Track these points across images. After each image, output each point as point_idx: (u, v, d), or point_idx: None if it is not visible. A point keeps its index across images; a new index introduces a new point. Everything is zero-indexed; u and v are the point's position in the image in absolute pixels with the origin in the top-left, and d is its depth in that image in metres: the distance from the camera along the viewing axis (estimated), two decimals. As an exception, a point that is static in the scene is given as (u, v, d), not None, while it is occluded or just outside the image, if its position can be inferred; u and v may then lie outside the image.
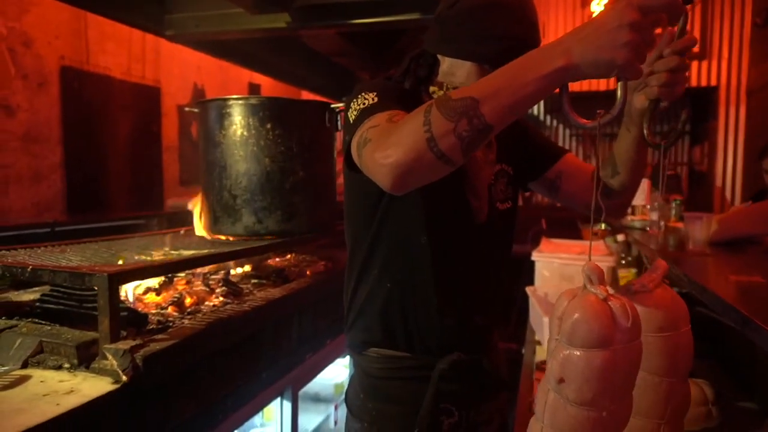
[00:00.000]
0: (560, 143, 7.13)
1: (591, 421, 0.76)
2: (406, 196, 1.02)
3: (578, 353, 0.75)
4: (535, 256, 2.61)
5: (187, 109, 2.15)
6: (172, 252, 1.63)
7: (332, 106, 2.04)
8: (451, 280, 1.14)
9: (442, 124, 0.81)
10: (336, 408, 2.51)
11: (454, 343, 1.14)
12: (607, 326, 0.74)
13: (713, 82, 5.47)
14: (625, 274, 2.56)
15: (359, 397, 1.18)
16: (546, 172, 1.25)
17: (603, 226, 3.97)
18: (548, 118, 7.19)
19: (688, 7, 0.78)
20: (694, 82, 5.51)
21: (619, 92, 0.79)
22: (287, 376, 1.79)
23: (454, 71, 1.09)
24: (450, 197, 1.12)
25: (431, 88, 1.14)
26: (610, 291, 0.77)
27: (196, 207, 2.06)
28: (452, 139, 0.81)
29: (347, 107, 1.03)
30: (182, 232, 2.10)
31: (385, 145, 0.86)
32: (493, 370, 1.19)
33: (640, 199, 3.06)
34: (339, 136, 2.75)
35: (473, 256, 1.17)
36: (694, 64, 5.49)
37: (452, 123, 0.80)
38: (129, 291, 1.51)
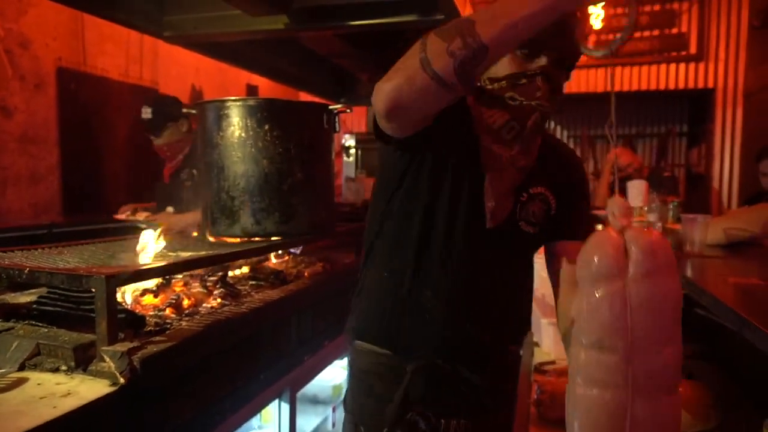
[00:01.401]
0: (558, 145, 7.14)
1: (609, 369, 0.63)
2: (421, 182, 1.04)
3: (583, 287, 0.67)
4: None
5: (185, 110, 2.15)
6: (170, 254, 1.63)
7: (330, 107, 2.03)
8: (448, 282, 1.08)
9: (436, 44, 0.83)
10: (334, 410, 2.51)
11: (441, 351, 1.08)
12: (612, 256, 0.64)
13: (710, 85, 5.49)
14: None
15: (348, 389, 1.19)
16: (557, 242, 1.16)
17: (600, 227, 3.98)
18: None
19: None
20: (691, 84, 5.53)
21: (629, 15, 0.81)
22: (285, 378, 1.79)
23: None
24: (464, 192, 1.07)
25: None
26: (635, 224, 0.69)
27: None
28: (445, 58, 0.81)
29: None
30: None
31: (388, 75, 0.88)
32: (486, 388, 1.11)
33: (638, 200, 3.06)
34: (337, 138, 2.74)
35: (476, 262, 1.09)
36: (691, 67, 5.50)
37: (446, 42, 0.82)
38: (126, 293, 1.51)
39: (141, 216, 2.44)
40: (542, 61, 0.97)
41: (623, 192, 3.11)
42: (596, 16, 5.61)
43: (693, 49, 5.45)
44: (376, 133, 1.01)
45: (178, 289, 1.66)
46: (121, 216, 2.52)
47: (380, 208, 1.13)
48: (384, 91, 0.87)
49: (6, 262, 1.34)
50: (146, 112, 2.52)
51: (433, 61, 0.82)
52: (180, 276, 1.74)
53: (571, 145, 7.06)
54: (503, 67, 1.01)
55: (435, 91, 0.84)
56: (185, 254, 1.61)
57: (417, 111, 0.91)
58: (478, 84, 1.05)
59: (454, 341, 1.09)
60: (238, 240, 1.91)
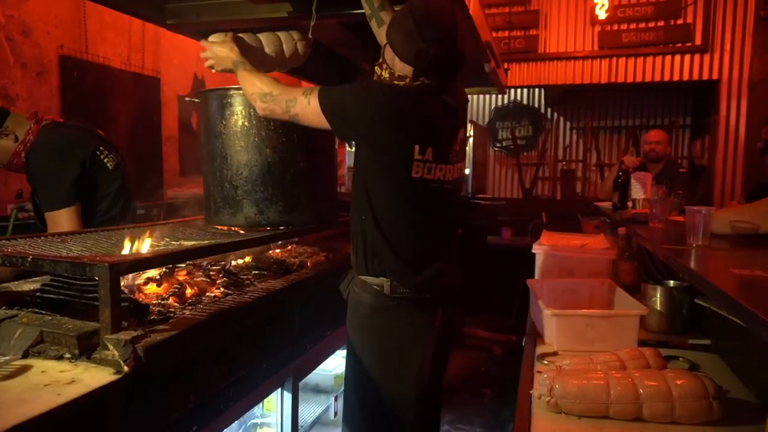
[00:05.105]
0: (561, 137, 7.12)
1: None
2: None
3: None
4: (535, 248, 2.60)
5: (188, 99, 2.14)
6: (173, 242, 1.63)
7: (334, 96, 2.02)
8: None
9: None
10: (336, 399, 2.52)
11: None
12: None
13: (715, 76, 5.45)
14: (627, 268, 2.55)
15: None
16: None
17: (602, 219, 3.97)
18: (549, 111, 7.16)
19: None
20: (696, 75, 5.49)
21: None
22: (288, 367, 1.79)
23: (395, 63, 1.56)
24: None
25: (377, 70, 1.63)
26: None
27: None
28: None
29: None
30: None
31: None
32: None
33: (641, 192, 3.05)
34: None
35: None
36: (696, 58, 5.46)
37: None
38: (129, 281, 1.51)
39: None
40: None
41: (628, 185, 3.10)
42: (600, 6, 5.57)
43: (698, 40, 5.41)
44: None
45: (181, 278, 1.66)
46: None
47: None
48: None
49: (9, 250, 1.34)
50: None
51: None
52: (183, 265, 1.74)
53: (574, 137, 7.03)
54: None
55: None
56: (188, 243, 1.61)
57: None
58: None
59: None
60: (241, 230, 1.91)
